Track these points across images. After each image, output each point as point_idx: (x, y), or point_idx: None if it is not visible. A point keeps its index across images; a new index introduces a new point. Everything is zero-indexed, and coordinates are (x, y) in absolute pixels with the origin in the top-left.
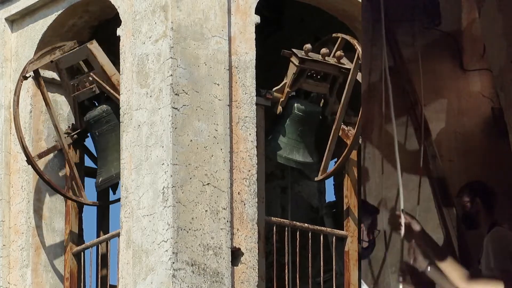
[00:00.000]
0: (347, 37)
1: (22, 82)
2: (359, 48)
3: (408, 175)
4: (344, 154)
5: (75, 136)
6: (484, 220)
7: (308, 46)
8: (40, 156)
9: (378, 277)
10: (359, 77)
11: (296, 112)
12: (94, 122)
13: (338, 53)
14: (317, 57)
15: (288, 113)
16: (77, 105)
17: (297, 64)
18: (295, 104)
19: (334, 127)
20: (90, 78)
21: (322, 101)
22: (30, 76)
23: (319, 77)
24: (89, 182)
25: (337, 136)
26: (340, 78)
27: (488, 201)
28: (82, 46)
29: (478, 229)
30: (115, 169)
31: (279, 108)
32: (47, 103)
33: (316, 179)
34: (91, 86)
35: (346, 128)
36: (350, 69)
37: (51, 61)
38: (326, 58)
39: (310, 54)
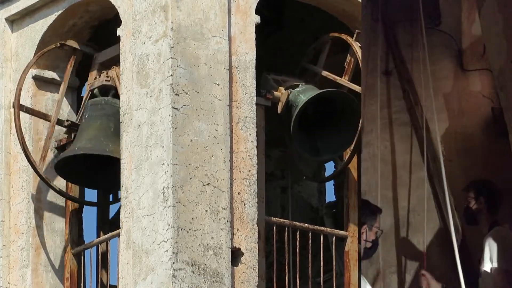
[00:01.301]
0: (343, 36)
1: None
2: (353, 45)
3: (408, 175)
4: (347, 155)
5: (74, 134)
6: (485, 219)
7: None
8: (40, 157)
9: (378, 277)
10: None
11: (301, 88)
12: (90, 105)
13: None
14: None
15: (296, 94)
16: (76, 103)
17: (268, 76)
18: (296, 89)
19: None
20: (113, 72)
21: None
22: (31, 77)
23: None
24: None
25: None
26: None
27: (492, 200)
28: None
29: (477, 225)
30: (80, 146)
31: (286, 93)
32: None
33: (317, 180)
34: (107, 78)
35: None
36: (316, 79)
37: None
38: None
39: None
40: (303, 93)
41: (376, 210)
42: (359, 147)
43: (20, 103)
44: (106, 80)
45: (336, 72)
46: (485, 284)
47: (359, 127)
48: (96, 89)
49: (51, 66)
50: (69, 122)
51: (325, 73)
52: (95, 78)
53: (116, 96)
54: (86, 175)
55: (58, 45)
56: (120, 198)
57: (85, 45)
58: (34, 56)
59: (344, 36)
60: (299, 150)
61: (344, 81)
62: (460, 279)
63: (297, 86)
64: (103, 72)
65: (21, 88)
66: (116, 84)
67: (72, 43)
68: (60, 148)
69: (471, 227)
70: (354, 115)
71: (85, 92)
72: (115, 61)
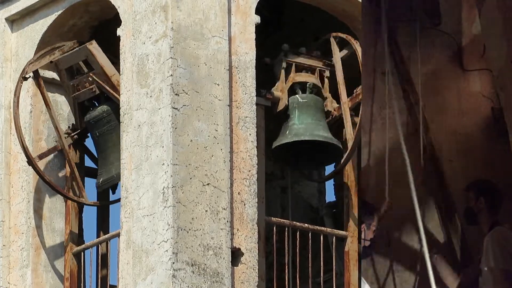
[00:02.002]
0: (344, 36)
1: (22, 83)
2: (356, 46)
3: (408, 174)
4: (346, 154)
5: (75, 136)
6: (485, 219)
7: (286, 45)
8: (41, 157)
9: (378, 277)
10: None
11: (302, 101)
12: (95, 122)
13: (316, 53)
14: (300, 52)
15: (294, 105)
16: (77, 105)
17: (282, 57)
18: (297, 96)
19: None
20: (90, 79)
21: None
22: (29, 76)
23: (305, 70)
24: (89, 182)
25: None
26: (327, 72)
27: (492, 201)
28: (81, 46)
29: (477, 225)
30: (116, 169)
31: (284, 103)
32: (47, 104)
33: (317, 180)
34: (91, 87)
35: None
36: (333, 63)
37: (51, 62)
38: (309, 55)
39: (291, 51)
40: (299, 111)
41: (374, 209)
42: (358, 147)
43: (41, 75)
44: (92, 92)
45: (347, 70)
46: (485, 283)
47: (358, 126)
48: (86, 101)
49: (51, 66)
50: (75, 136)
51: (339, 75)
52: (77, 88)
53: (108, 99)
54: None
55: (77, 43)
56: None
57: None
58: (33, 56)
59: (345, 36)
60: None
61: (345, 116)
62: (430, 274)
63: (302, 87)
64: (84, 82)
65: (20, 88)
66: (102, 88)
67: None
68: (60, 150)
69: (471, 227)
70: (335, 158)
71: (70, 103)
72: (83, 66)
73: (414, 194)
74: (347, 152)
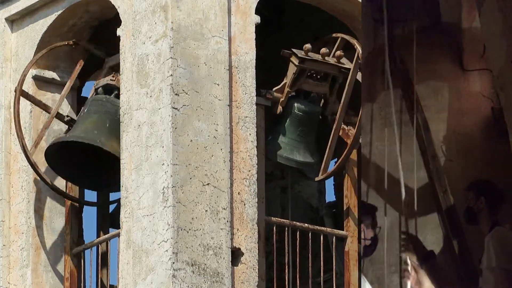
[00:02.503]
0: (347, 37)
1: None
2: (359, 48)
3: (408, 174)
4: (344, 154)
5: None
6: (486, 219)
7: (308, 46)
8: (41, 157)
9: (378, 277)
10: (359, 76)
11: (296, 112)
12: (91, 100)
13: (338, 53)
14: (317, 57)
15: (288, 113)
16: (76, 103)
17: (297, 64)
18: (295, 104)
19: (334, 127)
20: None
21: (322, 101)
22: (31, 77)
23: (319, 77)
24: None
25: (338, 135)
26: (340, 78)
27: (493, 201)
28: None
29: (476, 225)
30: (74, 133)
31: (279, 108)
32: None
33: (316, 179)
34: (114, 77)
35: (346, 128)
36: (350, 69)
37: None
38: (326, 58)
39: (309, 54)
40: (290, 122)
41: (371, 208)
42: (359, 147)
43: (23, 92)
44: (111, 80)
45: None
46: (486, 283)
47: (357, 126)
48: (101, 88)
49: (51, 66)
50: (69, 117)
51: (314, 55)
52: (102, 78)
53: (119, 97)
54: (83, 173)
55: (72, 43)
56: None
57: (96, 49)
58: (33, 56)
59: (347, 37)
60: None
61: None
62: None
63: (305, 95)
64: (111, 73)
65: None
66: (120, 85)
67: (85, 44)
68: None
69: (471, 227)
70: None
71: (90, 93)
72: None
73: (415, 194)
74: (345, 152)
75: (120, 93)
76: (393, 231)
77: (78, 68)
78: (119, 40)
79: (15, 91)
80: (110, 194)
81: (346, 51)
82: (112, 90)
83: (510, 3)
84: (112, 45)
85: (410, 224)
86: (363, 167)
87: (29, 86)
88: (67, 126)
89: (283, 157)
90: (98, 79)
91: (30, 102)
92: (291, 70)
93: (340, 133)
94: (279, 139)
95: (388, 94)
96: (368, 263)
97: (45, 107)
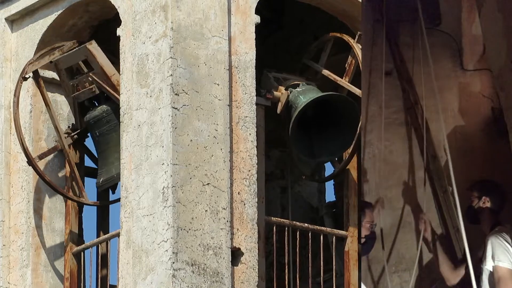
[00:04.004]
0: (344, 37)
1: (21, 83)
2: (354, 47)
3: (409, 174)
4: (347, 155)
5: (75, 136)
6: (487, 219)
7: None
8: (41, 157)
9: (378, 277)
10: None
11: (301, 89)
12: (94, 122)
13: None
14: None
15: (295, 94)
16: (77, 105)
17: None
18: (296, 89)
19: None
20: (90, 79)
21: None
22: (29, 77)
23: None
24: (89, 182)
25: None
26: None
27: (497, 201)
28: (81, 46)
29: (478, 224)
30: (116, 169)
31: (286, 94)
32: (47, 104)
33: (317, 180)
34: (90, 86)
35: None
36: (315, 77)
37: (50, 62)
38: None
39: (275, 71)
40: (303, 94)
41: (366, 205)
42: (359, 147)
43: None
44: (92, 92)
45: (337, 72)
46: (487, 282)
47: (359, 127)
48: (86, 101)
49: (51, 66)
50: (70, 130)
51: (326, 72)
52: (77, 88)
53: (108, 99)
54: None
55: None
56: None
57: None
58: (33, 56)
59: (345, 37)
60: (295, 151)
61: (344, 82)
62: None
63: (298, 85)
64: (84, 82)
65: (20, 88)
66: (102, 88)
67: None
68: (60, 150)
69: (472, 226)
70: (354, 118)
71: (70, 103)
72: (83, 65)
73: (414, 194)
74: (348, 154)
75: (120, 93)
76: (392, 231)
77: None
78: (119, 40)
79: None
80: (110, 194)
81: (346, 51)
82: (100, 100)
83: (510, 3)
84: (112, 45)
85: (410, 224)
86: (363, 166)
87: (29, 86)
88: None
89: (318, 95)
90: (71, 88)
91: (33, 92)
92: (269, 78)
93: None
94: (303, 99)
95: (388, 94)
96: (366, 263)
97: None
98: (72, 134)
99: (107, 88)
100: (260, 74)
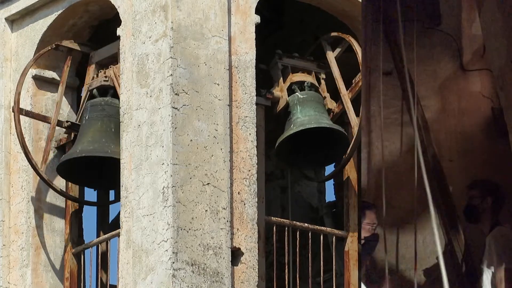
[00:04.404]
0: (345, 36)
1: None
2: (354, 44)
3: (408, 174)
4: (346, 154)
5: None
6: (487, 219)
7: (280, 51)
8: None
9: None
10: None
11: (302, 97)
12: (91, 106)
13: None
14: (294, 56)
15: (295, 102)
16: (76, 102)
17: (278, 60)
18: (297, 93)
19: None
20: (112, 71)
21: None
22: (31, 77)
23: (301, 71)
24: None
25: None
26: (322, 74)
27: (497, 201)
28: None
29: (477, 224)
30: (83, 147)
31: (283, 100)
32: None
33: (318, 180)
34: (106, 77)
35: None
36: (327, 63)
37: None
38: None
39: (286, 56)
40: (301, 106)
41: (366, 207)
42: (358, 147)
43: (20, 107)
44: (104, 80)
45: (342, 69)
46: (487, 283)
47: (359, 127)
48: (95, 89)
49: (51, 66)
50: (69, 123)
51: (335, 71)
52: (93, 78)
53: (115, 95)
54: (87, 175)
55: (54, 46)
56: (120, 198)
57: (82, 45)
58: (33, 56)
59: (346, 37)
60: (279, 157)
61: (346, 99)
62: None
63: (302, 85)
64: (100, 72)
65: (19, 92)
66: (114, 83)
67: (68, 43)
68: (60, 148)
69: (472, 226)
70: (341, 149)
71: (83, 93)
72: (112, 59)
73: (414, 194)
74: (347, 152)
75: (120, 93)
76: (392, 231)
77: (66, 68)
78: (119, 40)
79: (13, 111)
80: (110, 194)
81: (346, 51)
82: (107, 91)
83: (510, 3)
84: (109, 43)
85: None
86: (363, 166)
87: (29, 86)
88: (67, 134)
89: (312, 123)
90: (88, 77)
91: (33, 92)
92: (277, 69)
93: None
94: (300, 118)
95: (388, 94)
96: (367, 263)
97: (43, 118)
98: (73, 133)
99: (117, 84)
100: (269, 62)
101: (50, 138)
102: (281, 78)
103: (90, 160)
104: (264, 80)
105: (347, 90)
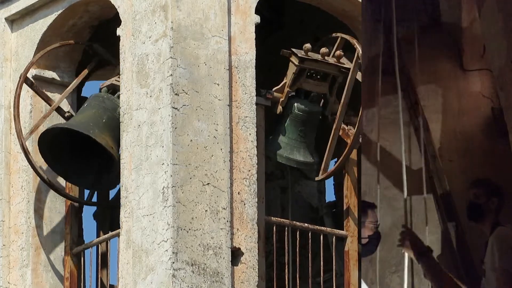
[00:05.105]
0: (347, 37)
1: (21, 86)
2: (358, 48)
3: (408, 174)
4: (344, 153)
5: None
6: (490, 219)
7: (308, 45)
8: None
9: (378, 277)
10: (359, 76)
11: (296, 112)
12: (93, 97)
13: (338, 52)
14: (317, 56)
15: (288, 112)
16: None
17: (296, 63)
18: (295, 104)
19: (334, 126)
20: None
21: (322, 101)
22: (31, 77)
23: (318, 76)
24: None
25: (338, 135)
26: (340, 78)
27: (501, 201)
28: None
29: (479, 223)
30: (69, 123)
31: (279, 108)
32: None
33: (316, 179)
34: (118, 77)
35: (346, 128)
36: (349, 68)
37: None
38: (326, 57)
39: (309, 53)
40: (290, 122)
41: (368, 206)
42: (359, 147)
43: (28, 77)
44: (116, 80)
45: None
46: (488, 284)
47: (359, 127)
48: (105, 87)
49: (51, 66)
50: (69, 113)
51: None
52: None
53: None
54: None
55: (73, 42)
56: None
57: (101, 46)
58: (33, 57)
59: (347, 37)
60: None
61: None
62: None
63: (306, 94)
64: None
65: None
66: (120, 86)
67: (93, 45)
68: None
69: (472, 226)
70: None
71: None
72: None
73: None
74: (345, 152)
75: (120, 93)
76: (392, 231)
77: (87, 69)
78: (119, 40)
79: (19, 80)
80: (110, 194)
81: (346, 51)
82: (116, 90)
83: (510, 3)
84: (112, 45)
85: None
86: (363, 166)
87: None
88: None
89: (283, 157)
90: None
91: (33, 92)
92: (291, 69)
93: (340, 133)
94: (279, 139)
95: (388, 94)
96: (368, 263)
97: (47, 98)
98: (68, 114)
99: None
100: (258, 74)
101: (45, 116)
102: (291, 81)
103: (74, 141)
104: (265, 79)
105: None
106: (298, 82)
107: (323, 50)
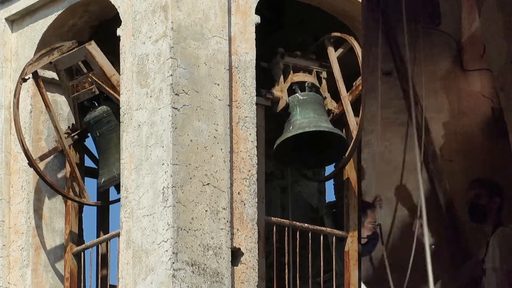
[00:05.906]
0: (345, 36)
1: (21, 84)
2: (355, 45)
3: (408, 175)
4: (346, 154)
5: (76, 136)
6: (491, 219)
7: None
8: (41, 157)
9: (377, 277)
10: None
11: (302, 98)
12: (95, 122)
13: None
14: (296, 52)
15: (295, 103)
16: (77, 106)
17: (278, 59)
18: (297, 94)
19: (353, 139)
20: (89, 79)
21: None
22: (29, 78)
23: (304, 71)
24: (89, 182)
25: (356, 149)
26: (323, 73)
27: (502, 201)
28: (80, 47)
29: (481, 224)
30: (117, 170)
31: (283, 101)
32: (46, 104)
33: (318, 180)
34: (90, 87)
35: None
36: (329, 64)
37: (50, 62)
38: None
39: (288, 54)
40: (301, 107)
41: (368, 206)
42: (359, 147)
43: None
44: (91, 92)
45: (343, 69)
46: (489, 284)
47: (359, 128)
48: (85, 101)
49: (50, 66)
50: (69, 131)
51: (336, 72)
52: (77, 89)
53: (107, 99)
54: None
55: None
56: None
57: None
58: (33, 57)
59: (347, 37)
60: (277, 158)
61: (346, 101)
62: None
63: (303, 85)
64: (83, 83)
65: (20, 88)
66: (101, 86)
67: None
68: (60, 150)
69: (473, 225)
70: (340, 150)
71: (70, 103)
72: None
73: (415, 194)
74: (347, 152)
75: (120, 93)
76: (392, 231)
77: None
78: (119, 40)
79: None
80: (110, 194)
81: (347, 51)
82: (99, 99)
83: (510, 3)
84: (112, 45)
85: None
86: (363, 166)
87: (29, 86)
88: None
89: (311, 126)
90: (71, 88)
91: (33, 92)
92: (279, 67)
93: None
94: (299, 121)
95: (388, 94)
96: (367, 262)
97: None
98: (72, 134)
99: (107, 88)
100: (270, 60)
101: (61, 146)
102: (282, 77)
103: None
104: (265, 79)
105: (347, 91)
106: (289, 77)
107: (297, 52)
